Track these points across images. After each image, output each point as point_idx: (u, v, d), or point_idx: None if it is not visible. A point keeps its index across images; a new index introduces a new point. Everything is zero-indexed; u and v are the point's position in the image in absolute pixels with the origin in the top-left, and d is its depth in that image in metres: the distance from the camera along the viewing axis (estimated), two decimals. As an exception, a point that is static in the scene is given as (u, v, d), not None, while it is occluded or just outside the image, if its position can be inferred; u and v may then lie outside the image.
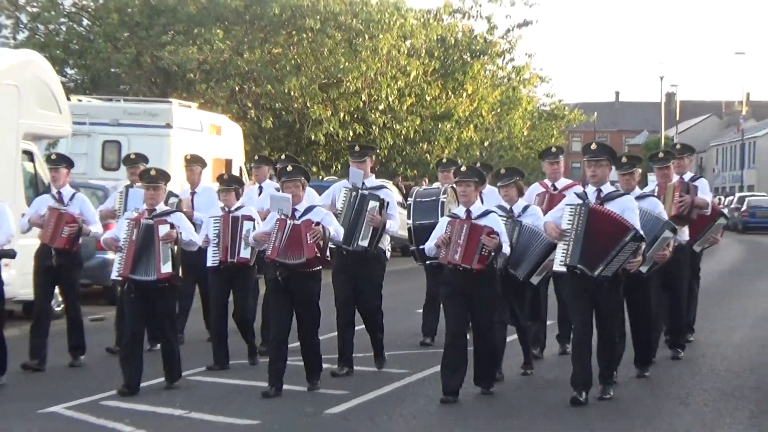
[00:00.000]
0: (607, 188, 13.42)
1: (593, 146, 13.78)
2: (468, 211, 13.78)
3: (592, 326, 13.55)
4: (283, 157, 20.87)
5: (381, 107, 43.37)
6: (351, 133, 41.80)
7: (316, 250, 14.05)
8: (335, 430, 13.50)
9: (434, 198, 19.23)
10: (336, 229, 14.55)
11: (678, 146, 18.92)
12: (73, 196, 17.27)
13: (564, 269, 13.56)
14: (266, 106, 41.04)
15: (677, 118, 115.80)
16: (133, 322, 14.92)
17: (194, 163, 19.82)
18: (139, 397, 14.65)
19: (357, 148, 17.46)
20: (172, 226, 14.54)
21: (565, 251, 13.25)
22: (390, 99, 43.29)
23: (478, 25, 49.85)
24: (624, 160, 14.82)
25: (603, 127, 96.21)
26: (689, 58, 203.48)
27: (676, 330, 17.43)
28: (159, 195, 14.92)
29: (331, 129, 40.93)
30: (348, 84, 42.10)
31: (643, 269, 14.45)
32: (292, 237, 14.09)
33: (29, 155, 21.90)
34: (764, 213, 67.60)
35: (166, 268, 14.38)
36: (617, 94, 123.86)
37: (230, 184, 17.03)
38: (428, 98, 44.92)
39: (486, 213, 13.91)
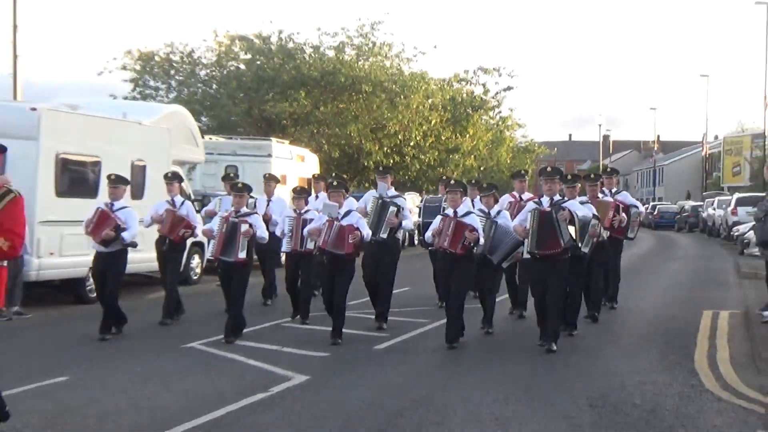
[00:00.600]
0: (556, 198, 13.52)
1: (548, 169, 13.94)
2: (455, 212, 13.87)
3: (545, 295, 13.46)
4: (333, 174, 21.65)
5: (411, 144, 43.71)
6: (391, 161, 41.81)
7: (352, 249, 14.15)
8: (381, 359, 13.28)
9: (437, 204, 19.44)
10: (367, 234, 14.53)
11: (608, 169, 18.97)
12: (182, 202, 16.83)
13: (529, 256, 13.69)
14: (334, 142, 41.24)
15: (610, 152, 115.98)
16: (224, 289, 14.83)
17: (270, 180, 19.43)
18: (247, 337, 14.54)
19: (381, 168, 18.52)
20: (251, 225, 14.26)
21: (529, 243, 13.43)
22: (417, 138, 43.63)
23: (477, 89, 49.47)
24: (569, 177, 14.67)
25: (560, 158, 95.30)
26: (619, 110, 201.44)
27: (595, 301, 16.74)
28: (243, 201, 14.66)
29: (378, 158, 40.99)
30: (389, 128, 42.37)
31: (586, 250, 14.31)
32: (338, 235, 14.07)
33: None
34: (669, 216, 67.36)
35: (242, 254, 14.14)
36: (570, 135, 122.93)
37: (301, 193, 16.78)
38: (443, 138, 45.09)
39: (467, 213, 14.01)
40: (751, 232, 29.15)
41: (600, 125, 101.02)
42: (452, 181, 15.22)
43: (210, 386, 11.01)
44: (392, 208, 15.50)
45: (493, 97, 50.30)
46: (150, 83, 45.66)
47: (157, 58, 45.69)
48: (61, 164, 18.13)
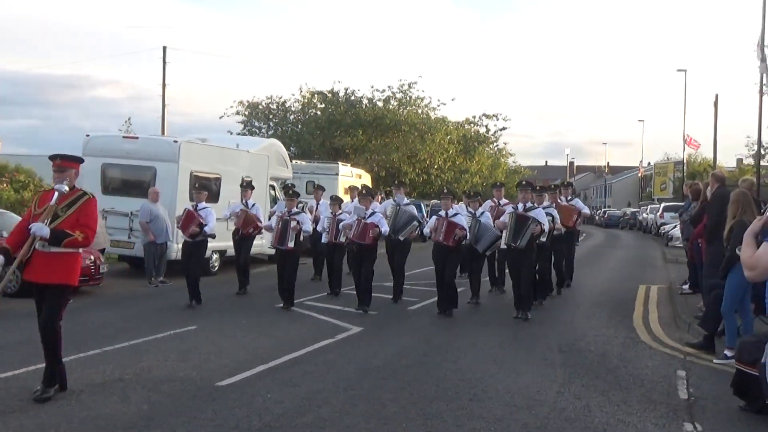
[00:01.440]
0: (529, 205, 12.91)
1: (523, 182, 13.53)
2: (446, 213, 13.36)
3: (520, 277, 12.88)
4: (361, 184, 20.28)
5: (435, 167, 43.75)
6: (421, 179, 41.74)
7: (372, 241, 13.55)
8: (413, 317, 13.05)
9: (440, 208, 19.03)
10: (385, 230, 13.96)
11: (565, 183, 18.33)
12: (254, 204, 16.21)
13: (506, 247, 13.07)
14: (381, 166, 41.30)
15: (575, 173, 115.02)
16: (278, 269, 13.89)
17: (318, 189, 19.28)
18: (318, 300, 14.45)
19: (396, 182, 16.80)
20: (298, 222, 13.67)
21: (506, 236, 12.89)
22: (440, 163, 43.62)
23: (481, 129, 49.45)
24: (537, 188, 14.20)
25: (539, 177, 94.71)
26: (581, 144, 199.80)
27: (560, 279, 16.66)
28: (293, 204, 14.03)
29: (412, 177, 40.98)
30: (420, 156, 42.51)
31: (544, 239, 13.58)
32: (362, 230, 13.56)
33: (272, 188, 22.05)
34: (615, 218, 66.95)
35: (291, 243, 13.59)
36: (546, 161, 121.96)
37: (335, 200, 15.93)
38: (457, 163, 44.99)
39: (456, 214, 13.48)
40: (675, 230, 28.93)
41: (567, 154, 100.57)
42: (445, 190, 14.52)
43: (293, 334, 10.99)
44: (414, 224, 14.87)
45: (492, 135, 50.35)
46: (255, 124, 46.03)
47: (260, 106, 46.07)
48: (194, 179, 18.23)
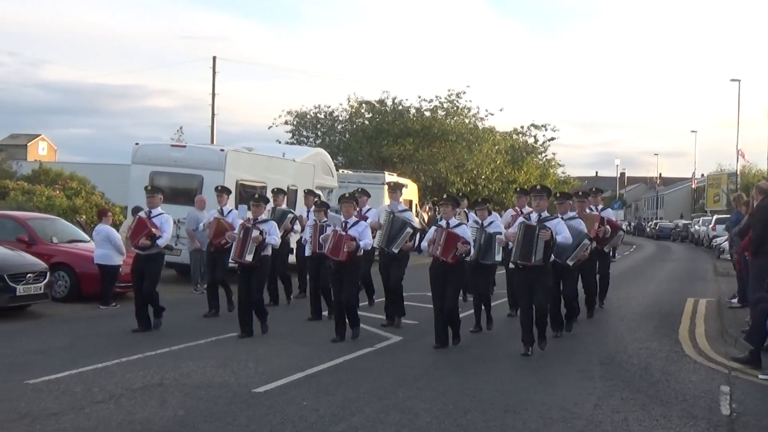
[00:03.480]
0: (545, 214, 10.53)
1: (537, 187, 11.17)
2: (447, 223, 10.86)
3: (532, 304, 10.39)
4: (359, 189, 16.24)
5: (482, 177, 43.29)
6: (468, 189, 41.47)
7: (347, 257, 10.97)
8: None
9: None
10: (366, 243, 11.38)
11: (594, 189, 15.55)
12: (230, 211, 13.85)
13: (513, 266, 10.82)
14: (428, 175, 41.12)
15: (625, 185, 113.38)
16: (239, 286, 11.54)
17: (309, 195, 16.25)
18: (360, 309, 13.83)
19: (392, 184, 13.77)
20: (261, 232, 11.38)
21: (513, 253, 10.43)
22: (487, 173, 43.27)
23: (529, 139, 49.21)
24: (558, 195, 12.34)
25: (590, 188, 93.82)
26: (632, 154, 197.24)
27: (590, 302, 14.09)
28: (260, 210, 11.62)
29: (459, 187, 40.78)
30: (467, 166, 42.25)
31: (570, 263, 11.69)
32: (336, 243, 11.00)
33: (318, 196, 22.20)
34: (666, 230, 65.99)
35: (249, 257, 11.23)
36: (596, 172, 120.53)
37: (321, 206, 13.13)
38: (505, 173, 44.63)
39: (458, 225, 10.99)
40: (726, 242, 28.41)
41: (617, 165, 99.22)
42: (445, 195, 11.68)
43: (332, 342, 11.01)
44: (408, 230, 12.27)
45: (541, 145, 50.02)
46: (303, 133, 46.37)
47: (308, 116, 46.42)
48: (240, 187, 18.43)
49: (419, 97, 46.07)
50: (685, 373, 9.70)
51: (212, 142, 35.41)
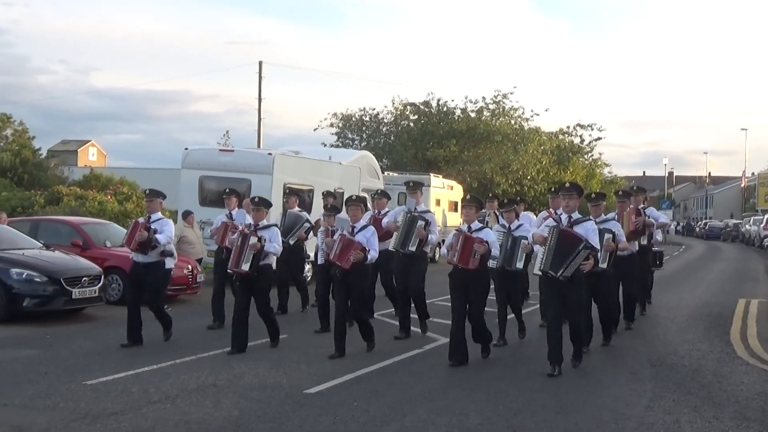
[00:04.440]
0: (576, 215, 9.30)
1: (567, 185, 9.78)
2: (469, 227, 9.69)
3: (562, 316, 9.33)
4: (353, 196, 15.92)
5: (528, 178, 43.05)
6: (514, 190, 41.30)
7: (350, 266, 9.91)
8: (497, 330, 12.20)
9: (481, 218, 16.52)
10: (372, 256, 10.22)
11: (635, 188, 14.22)
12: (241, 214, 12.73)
13: (540, 273, 9.36)
14: (474, 177, 41.07)
15: (674, 184, 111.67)
16: (235, 297, 10.54)
17: (328, 196, 14.75)
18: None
19: (411, 183, 12.34)
20: (260, 239, 10.32)
21: (542, 259, 9.20)
22: (533, 174, 43.02)
23: (575, 139, 48.90)
24: (593, 195, 11.06)
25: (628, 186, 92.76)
26: (680, 153, 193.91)
27: (629, 309, 12.87)
28: (261, 215, 10.57)
29: (504, 188, 40.65)
30: (513, 167, 42.11)
31: (604, 266, 10.53)
32: (343, 249, 9.98)
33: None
34: (716, 230, 65.03)
35: (245, 266, 10.19)
36: (644, 172, 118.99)
37: (331, 211, 11.78)
38: (551, 173, 44.25)
39: (481, 228, 9.77)
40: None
41: (665, 164, 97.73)
42: (468, 196, 10.79)
43: (382, 344, 11.04)
44: (421, 222, 11.48)
45: (587, 145, 49.66)
46: (348, 136, 46.64)
47: (353, 119, 46.69)
48: (287, 191, 18.59)
49: (466, 98, 45.96)
50: (737, 375, 9.60)
51: (259, 145, 35.73)
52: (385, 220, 12.16)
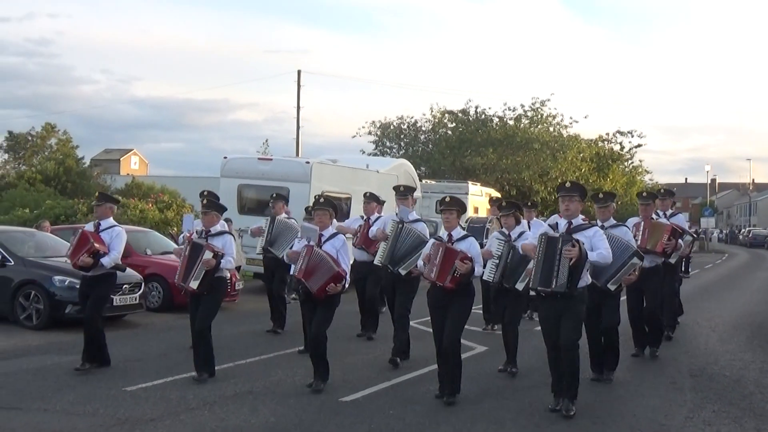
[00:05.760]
0: (577, 221, 7.84)
1: (567, 184, 8.10)
2: (450, 235, 8.22)
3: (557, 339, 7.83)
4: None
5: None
6: (552, 198, 41.03)
7: (324, 294, 8.44)
8: (539, 338, 12.40)
9: (482, 224, 15.23)
10: (344, 269, 8.57)
11: (662, 191, 12.50)
12: (227, 221, 12.12)
13: (533, 293, 8.13)
14: (512, 184, 40.98)
15: (716, 191, 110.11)
16: (191, 317, 9.34)
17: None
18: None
19: (401, 188, 10.77)
20: (215, 255, 8.91)
21: (533, 275, 7.73)
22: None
23: (615, 146, 48.36)
24: (600, 196, 9.53)
25: (678, 196, 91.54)
26: (723, 160, 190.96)
27: (656, 334, 11.09)
28: (213, 220, 9.20)
29: (543, 196, 40.45)
30: (552, 174, 41.82)
31: (612, 287, 8.96)
32: (309, 264, 8.45)
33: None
34: (760, 237, 64.24)
35: (194, 284, 8.90)
36: (686, 179, 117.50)
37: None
38: (590, 181, 43.85)
39: (465, 237, 8.27)
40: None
41: (708, 171, 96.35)
42: (447, 198, 8.43)
43: (418, 352, 10.91)
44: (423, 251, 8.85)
45: (627, 152, 49.21)
46: (386, 144, 46.74)
47: (391, 126, 46.79)
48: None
49: (504, 105, 46.01)
50: (780, 386, 9.44)
51: (297, 154, 35.93)
52: (373, 228, 11.12)
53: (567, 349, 7.76)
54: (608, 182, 46.62)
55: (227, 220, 16.83)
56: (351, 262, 11.15)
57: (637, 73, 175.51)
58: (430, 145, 46.44)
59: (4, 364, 8.75)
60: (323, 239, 8.71)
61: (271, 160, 20.08)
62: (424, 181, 30.52)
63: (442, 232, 8.46)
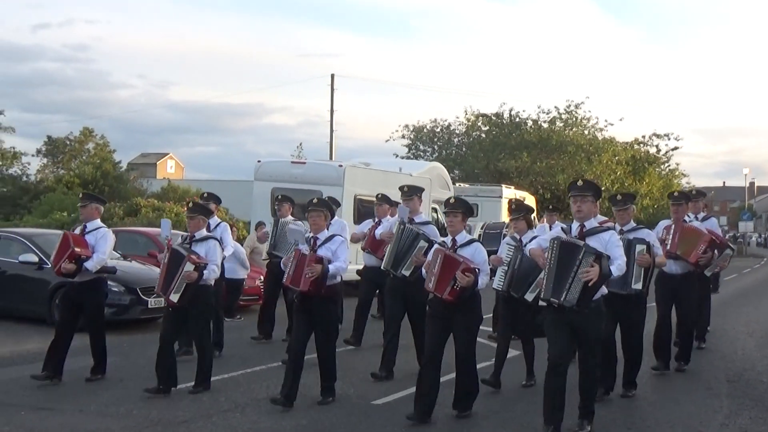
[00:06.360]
0: (591, 223, 6.92)
1: (579, 182, 7.19)
2: (453, 240, 7.51)
3: (568, 356, 7.01)
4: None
5: (603, 188, 42.05)
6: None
7: (312, 287, 7.72)
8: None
9: (499, 230, 14.45)
10: (338, 267, 7.88)
11: (694, 192, 11.72)
12: (219, 224, 10.77)
13: (544, 303, 6.93)
14: (546, 188, 40.71)
15: (755, 194, 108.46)
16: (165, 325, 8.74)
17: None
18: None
19: (405, 188, 10.04)
20: (197, 267, 8.23)
21: (543, 286, 6.81)
22: (607, 184, 42.25)
23: (651, 149, 47.80)
24: (619, 197, 8.60)
25: (716, 199, 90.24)
26: (762, 163, 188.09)
27: (686, 347, 10.25)
28: (198, 225, 8.65)
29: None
30: (586, 177, 41.22)
31: (639, 286, 8.09)
32: (297, 267, 7.89)
33: (434, 210, 22.27)
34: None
35: (174, 297, 8.28)
36: (723, 182, 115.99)
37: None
38: (626, 184, 43.49)
39: (470, 242, 7.57)
40: None
41: (746, 174, 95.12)
42: (452, 199, 7.81)
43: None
44: (422, 243, 9.11)
45: (663, 155, 48.64)
46: (420, 147, 46.74)
47: (425, 130, 46.80)
48: (358, 203, 18.70)
49: (538, 108, 45.78)
50: (820, 392, 9.25)
51: (331, 157, 36.10)
52: (379, 230, 10.54)
53: (584, 371, 7.02)
54: (644, 185, 46.21)
55: (261, 224, 16.99)
56: (361, 268, 11.44)
57: (674, 75, 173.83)
58: (464, 149, 46.44)
59: (40, 366, 8.84)
60: (318, 242, 7.99)
61: (305, 163, 20.18)
62: (457, 184, 30.43)
63: (447, 238, 7.75)
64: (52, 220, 23.67)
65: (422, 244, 9.11)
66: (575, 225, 6.99)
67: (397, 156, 41.71)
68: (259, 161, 19.88)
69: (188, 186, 30.85)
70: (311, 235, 8.08)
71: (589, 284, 6.53)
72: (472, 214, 7.81)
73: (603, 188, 41.94)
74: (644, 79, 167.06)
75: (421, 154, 45.94)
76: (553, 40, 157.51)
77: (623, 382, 8.66)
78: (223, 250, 9.56)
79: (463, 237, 7.58)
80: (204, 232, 8.81)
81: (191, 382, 8.70)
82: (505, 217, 25.07)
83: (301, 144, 48.65)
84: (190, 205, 8.91)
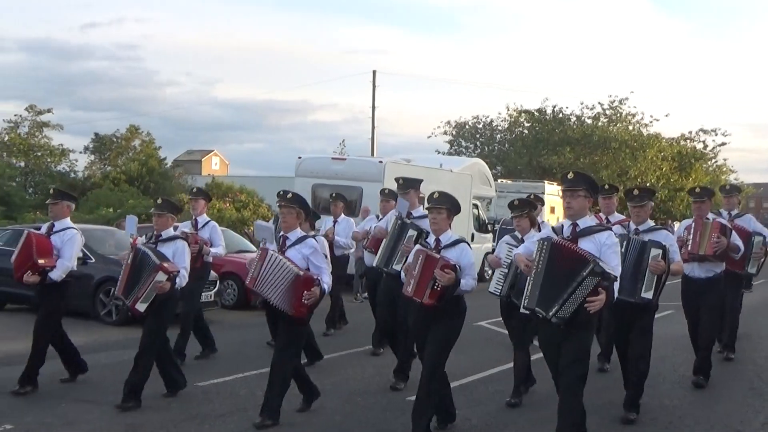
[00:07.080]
0: (585, 222, 5.95)
1: (570, 175, 6.14)
2: (437, 240, 6.74)
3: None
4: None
5: (648, 185, 41.72)
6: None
7: (304, 309, 6.80)
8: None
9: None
10: (326, 282, 6.94)
11: (728, 187, 10.87)
12: (207, 222, 10.24)
13: (526, 312, 6.13)
14: (590, 185, 40.20)
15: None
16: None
17: (338, 200, 12.60)
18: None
19: (401, 181, 9.56)
20: (169, 278, 7.44)
21: (526, 292, 5.88)
22: (652, 181, 41.81)
23: (698, 145, 46.97)
24: (636, 192, 7.79)
25: (766, 195, 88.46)
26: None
27: (704, 361, 9.15)
28: (166, 222, 7.88)
29: (622, 195, 39.62)
30: (631, 173, 41.13)
31: (649, 295, 7.23)
32: (264, 272, 6.87)
33: (476, 206, 22.19)
34: None
35: (141, 306, 7.50)
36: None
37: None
38: (672, 180, 42.89)
39: (456, 242, 6.69)
40: None
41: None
42: (436, 194, 6.85)
43: (488, 353, 10.92)
44: (411, 232, 8.68)
45: (710, 150, 47.83)
46: (462, 143, 46.58)
47: (467, 126, 46.64)
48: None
49: (581, 104, 45.39)
50: None
51: (372, 154, 36.11)
52: (373, 225, 9.97)
53: (564, 392, 5.87)
54: (690, 181, 45.49)
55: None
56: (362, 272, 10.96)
57: (722, 69, 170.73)
58: (506, 145, 46.16)
59: (83, 359, 8.97)
60: (288, 243, 7.06)
61: (345, 159, 20.23)
62: (499, 180, 30.29)
63: (430, 237, 7.00)
64: (99, 215, 24.06)
65: (411, 233, 8.63)
66: (567, 224, 6.05)
67: (438, 152, 41.63)
68: (299, 157, 19.98)
69: (231, 182, 31.05)
70: (282, 234, 7.19)
71: (590, 311, 5.64)
72: (458, 210, 6.97)
73: (648, 184, 41.72)
74: (692, 73, 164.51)
75: (464, 150, 45.77)
76: (597, 33, 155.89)
77: (624, 402, 7.62)
78: (208, 248, 9.91)
79: (447, 237, 6.77)
80: (171, 232, 8.01)
81: (225, 377, 8.83)
82: (547, 215, 24.91)
83: (343, 140, 48.84)
84: (159, 201, 8.14)
